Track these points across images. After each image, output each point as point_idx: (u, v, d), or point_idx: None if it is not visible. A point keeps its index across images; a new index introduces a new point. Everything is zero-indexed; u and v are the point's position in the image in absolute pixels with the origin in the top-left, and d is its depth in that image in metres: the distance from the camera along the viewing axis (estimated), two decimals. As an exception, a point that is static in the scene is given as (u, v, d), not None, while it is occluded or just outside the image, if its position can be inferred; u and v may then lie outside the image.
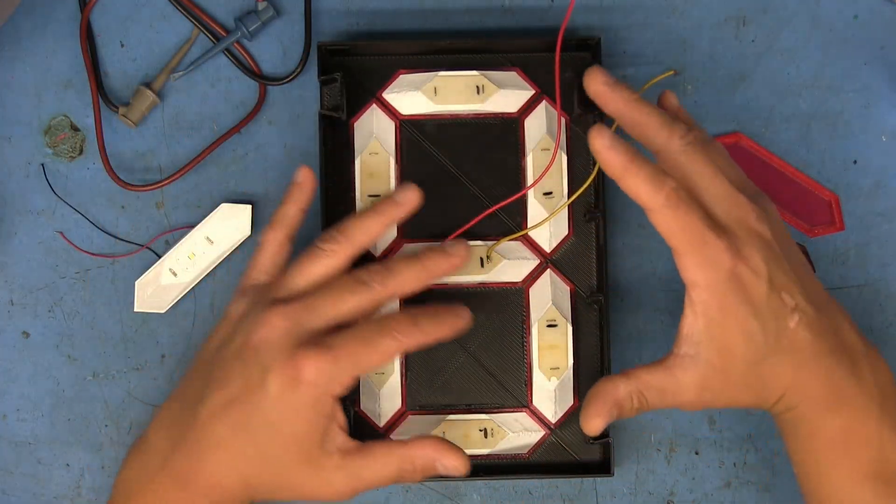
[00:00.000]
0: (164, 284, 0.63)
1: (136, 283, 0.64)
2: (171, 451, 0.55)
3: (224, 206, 0.64)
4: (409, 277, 0.56)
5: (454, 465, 0.55)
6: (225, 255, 0.64)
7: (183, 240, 0.63)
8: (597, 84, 0.54)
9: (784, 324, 0.52)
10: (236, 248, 0.64)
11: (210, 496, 0.55)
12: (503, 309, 0.64)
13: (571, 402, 0.63)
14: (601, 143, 0.52)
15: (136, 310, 0.64)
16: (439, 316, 0.56)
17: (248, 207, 0.64)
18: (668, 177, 0.52)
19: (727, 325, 0.52)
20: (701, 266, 0.51)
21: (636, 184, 0.52)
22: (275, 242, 0.59)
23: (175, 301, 0.63)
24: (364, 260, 0.63)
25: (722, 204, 0.52)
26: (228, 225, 0.64)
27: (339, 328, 0.55)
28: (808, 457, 0.55)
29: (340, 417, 0.55)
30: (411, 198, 0.58)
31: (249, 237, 0.64)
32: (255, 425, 0.54)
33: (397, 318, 0.55)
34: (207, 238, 0.63)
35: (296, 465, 0.54)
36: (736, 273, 0.51)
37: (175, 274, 0.63)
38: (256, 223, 0.65)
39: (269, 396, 0.53)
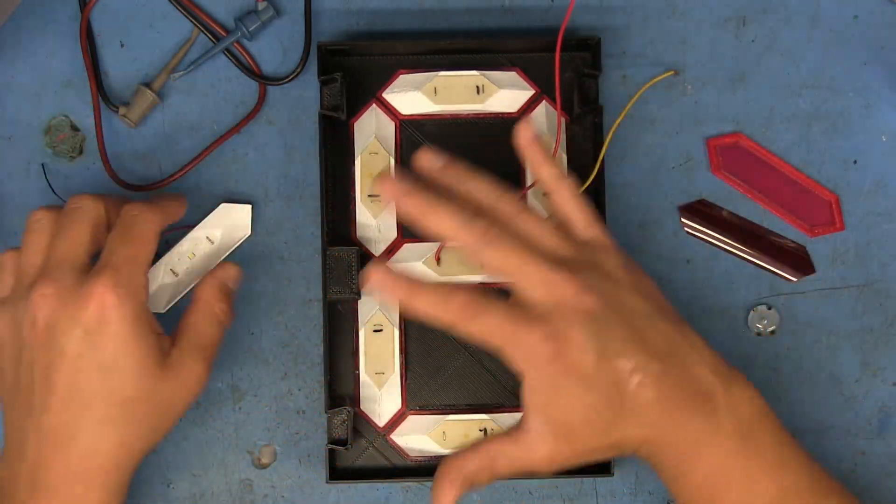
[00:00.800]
0: (163, 284, 0.63)
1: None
2: (33, 471, 0.53)
3: (224, 206, 0.64)
4: (121, 202, 0.58)
5: (230, 274, 0.60)
6: (225, 255, 0.64)
7: (183, 239, 0.63)
8: (401, 209, 0.55)
9: (623, 388, 0.52)
10: (237, 247, 0.64)
11: (96, 484, 0.54)
12: (503, 309, 0.63)
13: (571, 402, 0.63)
14: (374, 277, 0.54)
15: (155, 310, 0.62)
16: (162, 195, 0.60)
17: (248, 207, 0.64)
18: (453, 293, 0.53)
19: (565, 405, 0.52)
20: (523, 360, 0.52)
21: (424, 309, 0.53)
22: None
23: (175, 301, 0.63)
24: (365, 260, 0.63)
25: (538, 289, 0.52)
26: (228, 224, 0.64)
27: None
28: (680, 498, 0.55)
29: (153, 322, 0.56)
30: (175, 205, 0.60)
31: (249, 236, 0.64)
32: (94, 385, 0.53)
33: (133, 206, 0.56)
34: (208, 238, 0.63)
35: (153, 389, 0.55)
36: (557, 356, 0.51)
37: (175, 273, 0.63)
38: (256, 223, 0.65)
39: (91, 342, 0.53)
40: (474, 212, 0.54)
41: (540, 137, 0.57)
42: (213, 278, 0.59)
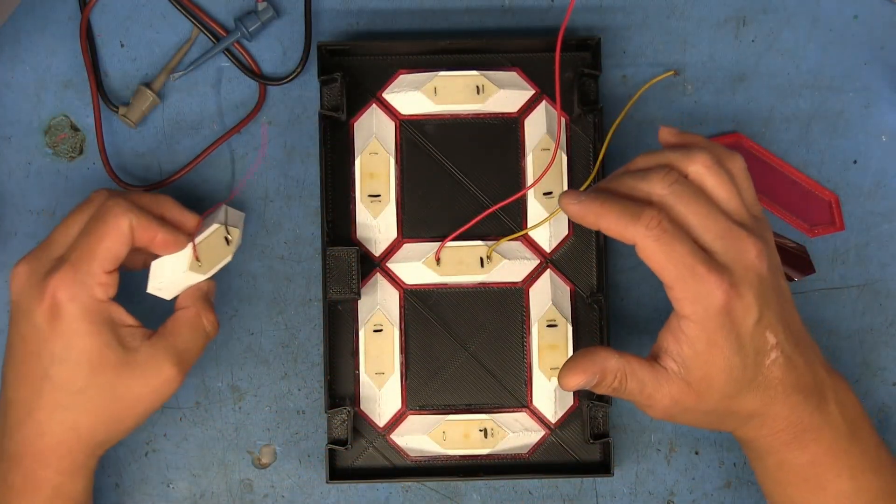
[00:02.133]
0: (187, 273, 0.59)
1: (153, 263, 0.59)
2: (2, 432, 0.56)
3: (225, 206, 0.60)
4: (133, 199, 0.57)
5: (211, 287, 0.59)
6: (229, 260, 0.61)
7: (210, 230, 0.59)
8: (569, 207, 0.53)
9: (762, 360, 0.53)
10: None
11: (49, 462, 0.55)
12: (503, 309, 0.64)
13: (571, 402, 0.63)
14: (569, 206, 0.52)
15: (148, 291, 0.59)
16: (155, 196, 0.58)
17: (243, 214, 0.61)
18: (645, 209, 0.51)
19: (712, 360, 0.52)
20: (692, 301, 0.52)
21: (611, 224, 0.52)
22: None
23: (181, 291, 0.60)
24: (365, 260, 0.63)
25: (720, 240, 0.52)
26: (241, 227, 0.61)
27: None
28: (777, 487, 0.56)
29: (123, 317, 0.56)
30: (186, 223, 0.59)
31: (259, 252, 0.64)
32: (50, 371, 0.54)
33: (101, 195, 0.57)
34: (227, 237, 0.60)
35: (111, 383, 0.55)
36: (728, 309, 0.51)
37: (200, 264, 0.59)
38: (257, 222, 0.65)
39: (43, 334, 0.54)
40: (647, 192, 0.52)
41: (681, 131, 0.56)
42: (199, 290, 0.59)
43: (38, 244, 0.57)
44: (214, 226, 0.59)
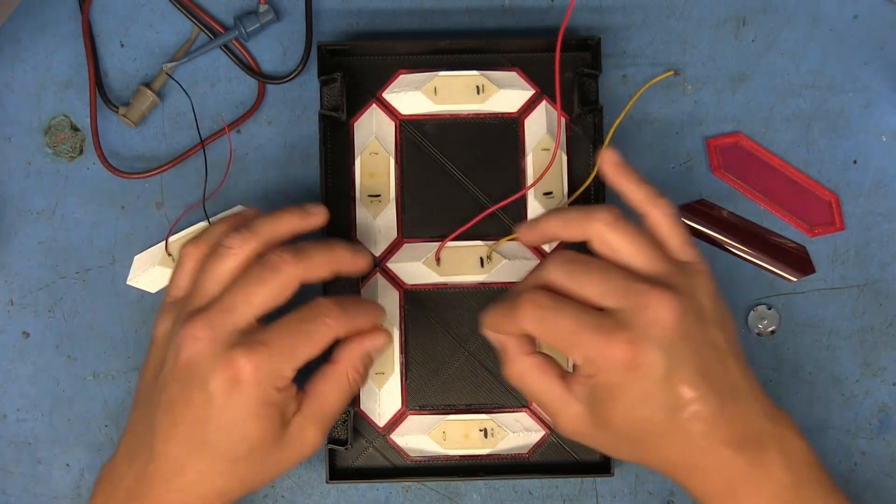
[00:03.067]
0: (160, 267, 0.63)
1: (136, 257, 0.64)
2: (136, 484, 0.55)
3: (239, 208, 0.64)
4: (318, 259, 0.56)
5: (377, 343, 0.57)
6: None
7: (191, 228, 0.63)
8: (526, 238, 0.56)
9: (677, 414, 0.52)
10: None
11: None
12: (503, 309, 0.64)
13: (571, 402, 0.63)
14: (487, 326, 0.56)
15: (128, 282, 0.64)
16: (364, 304, 0.57)
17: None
18: (518, 301, 0.53)
19: (615, 407, 0.52)
20: (590, 363, 0.52)
21: (498, 326, 0.55)
22: (194, 258, 0.58)
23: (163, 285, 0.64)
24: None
25: (621, 300, 0.52)
26: None
27: (269, 322, 0.55)
28: None
29: (291, 397, 0.55)
30: (321, 212, 0.58)
31: None
32: (210, 438, 0.53)
33: (325, 304, 0.55)
34: None
35: (265, 458, 0.55)
36: (629, 366, 0.51)
37: (174, 259, 0.63)
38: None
39: (216, 405, 0.53)
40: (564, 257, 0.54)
41: (625, 161, 0.57)
42: (359, 345, 0.57)
43: (202, 297, 0.55)
44: (198, 224, 0.61)
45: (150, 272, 0.64)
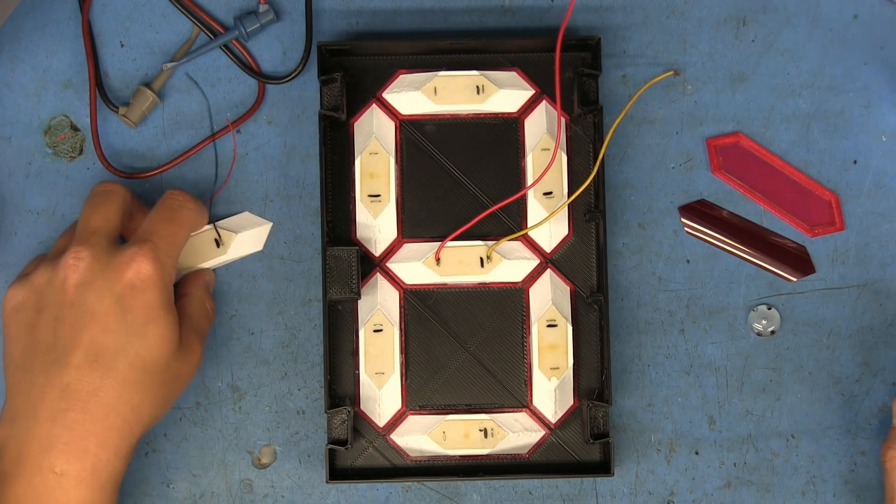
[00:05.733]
0: None
1: None
2: (52, 420, 0.55)
3: (246, 215, 0.64)
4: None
5: (211, 278, 0.63)
6: (228, 262, 0.64)
7: (200, 230, 0.63)
8: None
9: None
10: (242, 258, 0.64)
11: (107, 444, 0.55)
12: (503, 309, 0.64)
13: (571, 402, 0.63)
14: None
15: None
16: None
17: (269, 225, 0.64)
18: None
19: None
20: None
21: None
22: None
23: None
24: (365, 260, 0.63)
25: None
26: (244, 234, 0.64)
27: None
28: None
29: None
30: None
31: (259, 252, 0.65)
32: (125, 349, 0.55)
33: (178, 194, 0.60)
34: (216, 240, 0.63)
35: (168, 364, 0.57)
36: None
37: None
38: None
39: (123, 310, 0.55)
40: None
41: None
42: (201, 279, 0.62)
43: (70, 234, 0.60)
44: (206, 227, 0.63)
45: None
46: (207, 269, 0.63)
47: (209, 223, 0.63)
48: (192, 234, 0.62)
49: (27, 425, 0.55)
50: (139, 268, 0.56)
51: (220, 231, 0.63)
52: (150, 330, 0.56)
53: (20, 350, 0.57)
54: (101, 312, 0.55)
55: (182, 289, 0.61)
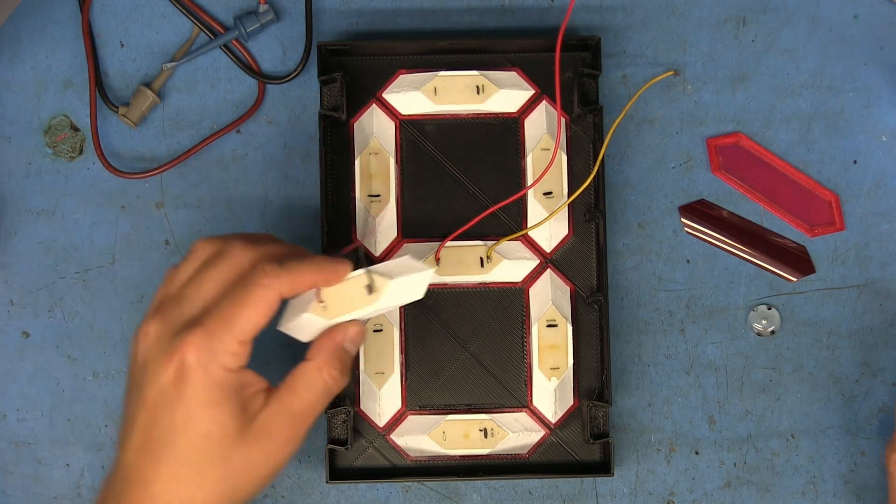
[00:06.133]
0: (309, 314, 0.54)
1: (290, 302, 0.56)
2: (114, 499, 0.51)
3: (407, 259, 0.55)
4: (304, 275, 0.53)
5: (350, 336, 0.54)
6: (382, 312, 0.56)
7: (351, 275, 0.54)
8: None
9: None
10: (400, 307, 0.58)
11: None
12: (503, 309, 0.64)
13: (571, 402, 0.63)
14: None
15: (277, 328, 0.55)
16: (309, 260, 0.53)
17: (431, 271, 0.55)
18: None
19: None
20: None
21: None
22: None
23: (316, 334, 0.55)
24: (367, 258, 0.63)
25: None
26: (400, 281, 0.55)
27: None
28: None
29: (251, 380, 0.52)
30: (345, 270, 0.55)
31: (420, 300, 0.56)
32: (167, 439, 0.50)
33: (261, 266, 0.51)
34: (368, 286, 0.54)
35: (228, 455, 0.51)
36: None
37: (325, 307, 0.54)
38: (257, 222, 0.65)
39: (167, 400, 0.50)
40: None
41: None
42: (331, 340, 0.54)
43: (164, 298, 0.53)
44: (358, 272, 0.54)
45: (298, 319, 0.55)
46: (353, 322, 0.54)
47: (360, 267, 0.55)
48: (346, 277, 0.54)
49: (112, 480, 0.52)
50: (182, 359, 0.49)
51: (374, 276, 0.54)
52: (194, 428, 0.50)
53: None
54: (150, 401, 0.50)
55: (308, 351, 0.54)
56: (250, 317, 0.50)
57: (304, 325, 0.54)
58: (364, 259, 0.57)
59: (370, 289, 0.54)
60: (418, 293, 0.55)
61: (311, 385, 0.53)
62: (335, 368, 0.53)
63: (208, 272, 0.52)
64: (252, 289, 0.50)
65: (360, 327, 0.54)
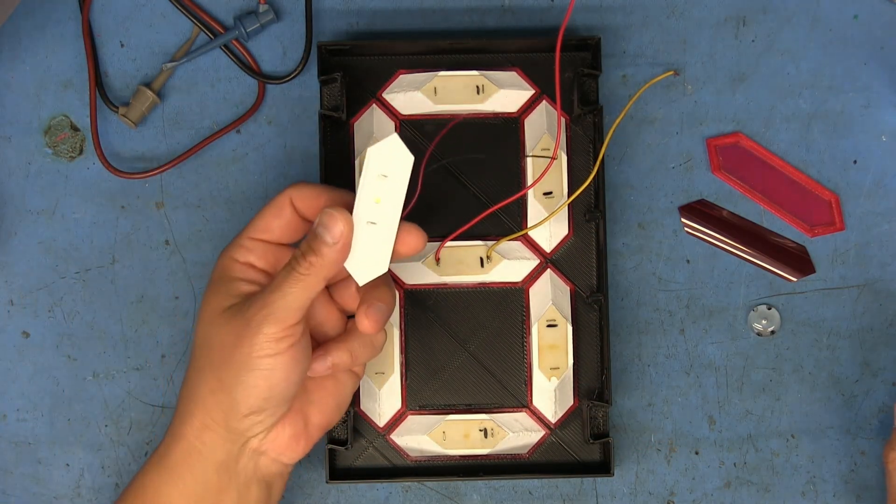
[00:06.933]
0: (370, 241, 0.54)
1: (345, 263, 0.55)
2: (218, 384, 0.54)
3: (370, 150, 0.54)
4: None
5: (333, 223, 0.53)
6: (404, 186, 0.55)
7: (359, 190, 0.54)
8: None
9: None
10: (409, 175, 0.55)
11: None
12: (503, 309, 0.64)
13: (571, 402, 0.63)
14: None
15: (361, 284, 0.55)
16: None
17: (394, 136, 0.54)
18: None
19: None
20: None
21: None
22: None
23: (390, 254, 0.55)
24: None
25: None
26: (387, 160, 0.54)
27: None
28: None
29: (246, 273, 0.56)
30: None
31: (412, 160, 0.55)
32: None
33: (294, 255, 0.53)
34: (383, 174, 0.54)
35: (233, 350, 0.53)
36: None
37: (374, 223, 0.54)
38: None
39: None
40: None
41: None
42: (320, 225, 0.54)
43: None
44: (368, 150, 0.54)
45: (369, 254, 0.55)
46: (380, 290, 0.55)
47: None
48: (363, 183, 0.54)
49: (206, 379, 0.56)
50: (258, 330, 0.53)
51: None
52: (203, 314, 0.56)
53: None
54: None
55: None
56: (262, 215, 0.56)
57: (371, 246, 0.55)
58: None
59: (384, 176, 0.55)
60: (403, 161, 0.54)
61: (296, 281, 0.53)
62: (318, 256, 0.53)
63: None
64: (271, 199, 0.56)
65: (392, 292, 0.56)
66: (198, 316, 0.56)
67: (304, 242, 0.53)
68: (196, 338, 0.56)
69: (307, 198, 0.56)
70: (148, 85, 0.65)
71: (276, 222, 0.56)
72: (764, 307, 0.65)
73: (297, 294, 0.53)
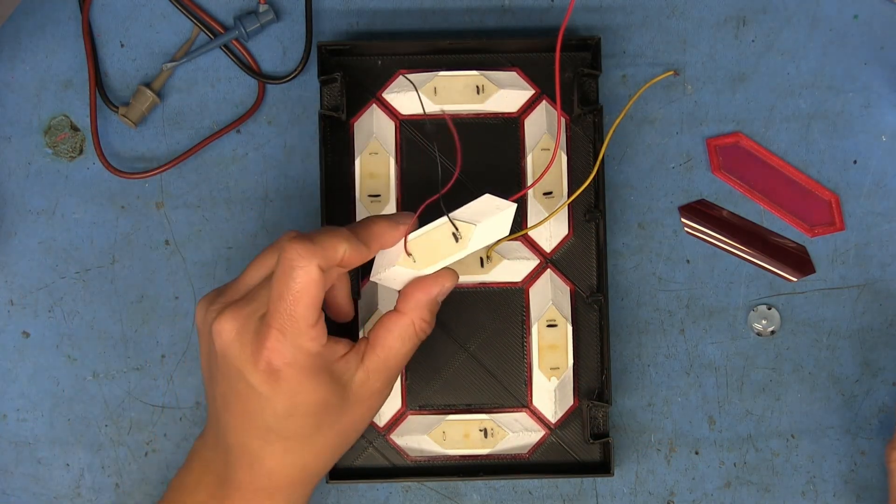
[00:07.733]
0: (399, 266, 0.56)
1: (378, 253, 0.56)
2: (224, 469, 0.55)
3: (486, 198, 0.56)
4: (339, 247, 0.53)
5: (444, 287, 0.55)
6: (467, 254, 0.56)
7: (431, 224, 0.55)
8: None
9: None
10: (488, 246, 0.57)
11: (276, 497, 0.55)
12: (503, 309, 0.64)
13: (571, 402, 0.63)
14: None
15: (371, 279, 0.57)
16: (337, 230, 0.53)
17: (512, 207, 0.55)
18: None
19: None
20: None
21: None
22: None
23: (406, 283, 0.56)
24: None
25: None
26: (484, 225, 0.55)
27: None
28: None
29: (336, 349, 0.54)
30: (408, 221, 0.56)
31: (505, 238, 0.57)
32: (272, 425, 0.53)
33: (289, 247, 0.52)
34: (454, 234, 0.55)
35: (333, 422, 0.54)
36: None
37: (414, 259, 0.55)
38: (257, 222, 0.65)
39: (264, 396, 0.53)
40: None
41: None
42: (424, 293, 0.55)
43: (232, 287, 0.55)
44: (439, 221, 0.55)
45: (389, 271, 0.56)
46: (446, 273, 0.55)
47: (442, 215, 0.55)
48: (416, 234, 0.55)
49: (214, 456, 0.57)
50: (268, 362, 0.52)
51: (458, 223, 0.55)
52: (298, 410, 0.53)
53: (203, 369, 0.57)
54: (245, 393, 0.53)
55: (399, 303, 0.56)
56: (306, 301, 0.52)
57: (395, 277, 0.56)
58: (444, 208, 0.56)
59: (456, 237, 0.55)
60: (503, 230, 0.55)
61: (405, 338, 0.55)
62: (425, 321, 0.56)
63: (258, 260, 0.55)
64: (292, 273, 0.52)
65: (453, 276, 0.56)
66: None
67: (418, 305, 0.55)
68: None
69: (334, 257, 0.53)
70: (148, 85, 0.65)
71: (321, 298, 0.53)
72: (764, 307, 0.65)
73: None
